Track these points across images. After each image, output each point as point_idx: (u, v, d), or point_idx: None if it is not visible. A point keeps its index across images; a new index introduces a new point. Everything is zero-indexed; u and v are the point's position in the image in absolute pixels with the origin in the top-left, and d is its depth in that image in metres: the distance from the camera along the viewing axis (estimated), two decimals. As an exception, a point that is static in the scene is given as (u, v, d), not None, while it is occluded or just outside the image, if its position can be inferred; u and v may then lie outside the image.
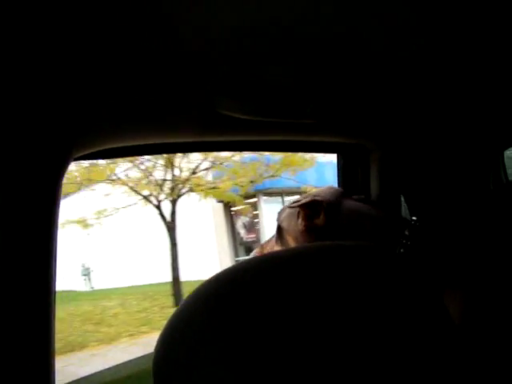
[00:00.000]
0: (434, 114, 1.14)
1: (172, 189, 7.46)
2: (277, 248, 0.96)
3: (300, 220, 0.91)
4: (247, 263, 0.38)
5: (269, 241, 1.02)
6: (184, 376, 0.32)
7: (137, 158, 5.79)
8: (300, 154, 7.12)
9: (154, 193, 7.50)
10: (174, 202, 7.56)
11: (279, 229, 0.97)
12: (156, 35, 0.61)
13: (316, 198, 0.90)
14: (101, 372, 4.69)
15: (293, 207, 0.93)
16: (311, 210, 0.89)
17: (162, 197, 7.54)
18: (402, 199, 1.21)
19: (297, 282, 0.34)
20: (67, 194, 6.88)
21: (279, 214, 0.99)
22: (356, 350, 0.32)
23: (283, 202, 10.22)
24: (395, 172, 1.19)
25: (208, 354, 0.31)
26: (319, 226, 0.88)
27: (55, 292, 0.73)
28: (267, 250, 1.00)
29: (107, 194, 7.33)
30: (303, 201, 0.90)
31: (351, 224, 0.89)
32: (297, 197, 1.00)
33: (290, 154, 6.76)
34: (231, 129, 0.94)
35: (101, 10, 0.53)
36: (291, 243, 0.92)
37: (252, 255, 1.04)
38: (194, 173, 7.40)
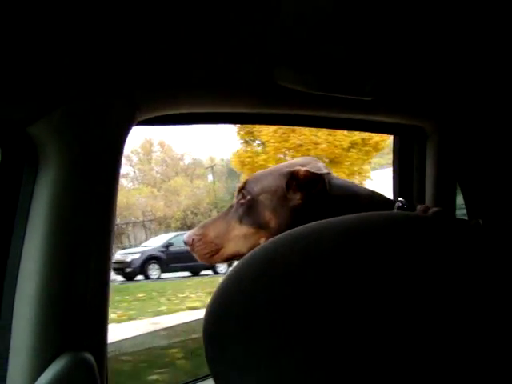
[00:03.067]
0: (505, 100, 1.04)
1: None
2: (240, 228, 0.80)
3: (292, 193, 0.77)
4: (303, 229, 0.35)
5: (217, 220, 0.84)
6: (235, 340, 0.32)
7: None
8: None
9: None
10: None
11: (251, 203, 0.80)
12: (220, 6, 0.60)
13: (311, 169, 0.78)
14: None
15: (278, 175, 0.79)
16: (310, 181, 0.77)
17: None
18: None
19: (364, 253, 0.32)
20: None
21: (251, 184, 0.81)
22: (437, 321, 0.30)
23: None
24: (453, 158, 1.10)
25: (259, 320, 0.31)
26: (316, 201, 0.76)
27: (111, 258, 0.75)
28: (215, 230, 0.82)
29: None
30: (299, 169, 0.77)
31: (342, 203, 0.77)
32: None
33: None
34: (288, 102, 0.90)
35: None
36: (270, 220, 0.78)
37: (187, 237, 0.84)
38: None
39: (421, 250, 0.32)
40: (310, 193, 0.77)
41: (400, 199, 0.79)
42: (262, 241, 0.77)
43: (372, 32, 0.74)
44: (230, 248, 0.80)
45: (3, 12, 0.52)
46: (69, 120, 0.69)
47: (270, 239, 0.35)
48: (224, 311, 0.33)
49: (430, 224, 0.35)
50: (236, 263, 0.36)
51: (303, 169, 0.78)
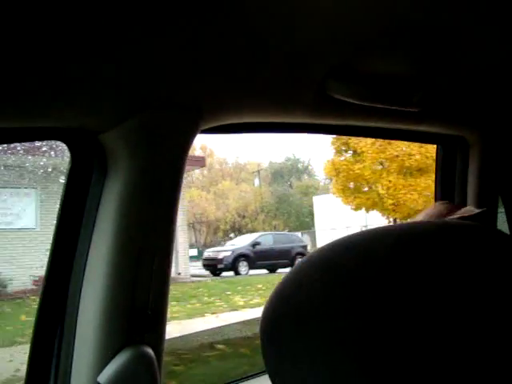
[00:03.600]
0: None
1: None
2: None
3: None
4: (357, 236, 0.37)
5: None
6: (293, 340, 0.33)
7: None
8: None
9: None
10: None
11: None
12: (272, 22, 0.63)
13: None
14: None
15: None
16: None
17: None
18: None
19: (418, 259, 0.33)
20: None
21: None
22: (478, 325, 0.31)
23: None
24: (495, 169, 1.11)
25: (316, 321, 0.32)
26: None
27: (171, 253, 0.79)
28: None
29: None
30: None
31: None
32: None
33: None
34: (338, 112, 0.93)
35: None
36: None
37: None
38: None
39: (469, 259, 0.33)
40: None
41: None
42: None
43: (419, 44, 0.76)
44: None
45: (82, 28, 0.57)
46: (139, 129, 0.72)
47: (326, 243, 0.37)
48: (282, 312, 0.34)
49: (478, 233, 0.36)
50: (293, 266, 0.37)
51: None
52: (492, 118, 1.08)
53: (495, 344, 0.31)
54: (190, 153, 0.82)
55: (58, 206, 0.76)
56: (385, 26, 0.69)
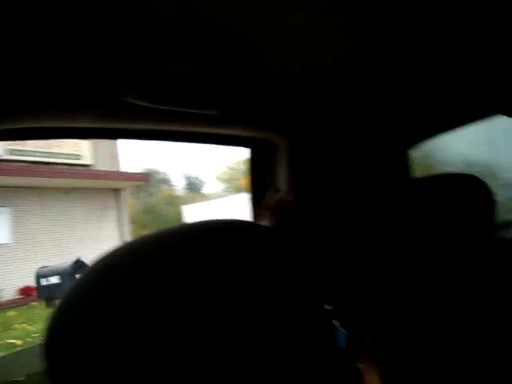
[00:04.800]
0: (342, 110, 1.09)
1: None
2: None
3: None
4: (123, 249, 0.35)
5: None
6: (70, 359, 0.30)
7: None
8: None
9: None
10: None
11: None
12: (66, 24, 0.61)
13: None
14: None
15: None
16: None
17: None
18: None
19: (166, 265, 0.32)
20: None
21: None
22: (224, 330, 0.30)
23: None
24: (302, 169, 1.14)
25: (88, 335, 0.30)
26: None
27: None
28: None
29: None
30: None
31: None
32: None
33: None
34: (134, 116, 0.91)
35: None
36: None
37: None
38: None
39: (233, 255, 0.33)
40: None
41: None
42: None
43: (215, 49, 0.75)
44: None
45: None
46: None
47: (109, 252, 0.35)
48: (61, 330, 0.32)
49: (241, 229, 0.36)
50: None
51: None
52: (295, 121, 1.09)
53: (268, 341, 0.31)
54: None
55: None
56: (179, 31, 0.68)
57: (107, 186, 9.59)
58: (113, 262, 0.33)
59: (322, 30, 0.72)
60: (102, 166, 9.68)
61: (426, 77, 1.01)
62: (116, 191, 9.83)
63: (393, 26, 0.76)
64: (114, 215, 9.79)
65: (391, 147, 1.25)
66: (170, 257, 0.32)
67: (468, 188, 0.90)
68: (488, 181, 0.89)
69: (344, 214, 1.03)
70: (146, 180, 11.00)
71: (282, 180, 1.14)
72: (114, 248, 0.34)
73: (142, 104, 0.82)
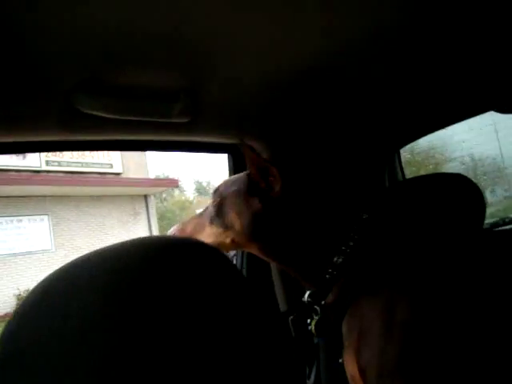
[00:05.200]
0: (321, 112, 1.05)
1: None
2: (210, 228, 0.83)
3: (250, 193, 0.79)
4: (77, 260, 0.35)
5: (196, 218, 0.88)
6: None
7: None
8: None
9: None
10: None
11: (219, 205, 0.83)
12: (13, 37, 0.58)
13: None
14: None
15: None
16: (264, 175, 0.78)
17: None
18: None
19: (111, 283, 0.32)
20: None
21: (218, 189, 0.85)
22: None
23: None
24: (284, 171, 1.10)
25: (38, 353, 0.29)
26: (273, 198, 0.76)
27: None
28: (192, 227, 0.87)
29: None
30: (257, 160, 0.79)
31: (303, 204, 0.78)
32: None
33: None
34: (95, 128, 0.86)
35: None
36: (234, 222, 0.80)
37: (172, 230, 0.90)
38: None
39: (171, 277, 0.32)
40: (267, 197, 0.77)
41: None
42: (228, 240, 0.81)
43: (180, 56, 0.72)
44: None
45: None
46: None
47: (51, 273, 0.35)
48: (5, 353, 0.31)
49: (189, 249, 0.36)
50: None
51: (254, 169, 0.78)
52: (273, 126, 1.06)
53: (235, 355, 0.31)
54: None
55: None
56: (138, 40, 0.65)
57: (137, 193, 9.85)
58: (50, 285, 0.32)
59: (298, 30, 0.69)
60: (131, 174, 9.97)
61: (412, 75, 0.95)
62: (145, 197, 10.09)
63: (376, 22, 0.72)
64: (144, 219, 10.04)
65: (376, 152, 1.21)
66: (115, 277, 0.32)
67: (457, 188, 0.87)
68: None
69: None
70: (174, 185, 11.21)
71: None
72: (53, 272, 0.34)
73: (101, 115, 0.79)
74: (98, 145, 0.99)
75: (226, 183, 0.86)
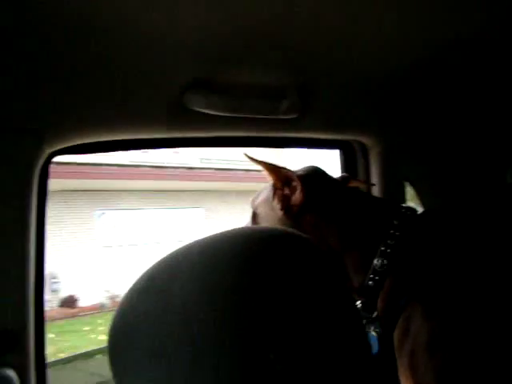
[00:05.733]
0: (438, 109, 0.99)
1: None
2: None
3: (276, 202, 0.74)
4: (183, 246, 0.36)
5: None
6: (127, 356, 0.32)
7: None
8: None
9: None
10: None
11: (254, 216, 0.81)
12: (129, 37, 0.60)
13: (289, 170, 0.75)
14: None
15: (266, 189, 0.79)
16: (285, 182, 0.73)
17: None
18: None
19: (215, 271, 0.32)
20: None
21: (253, 199, 0.83)
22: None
23: None
24: (397, 167, 1.05)
25: (143, 333, 0.31)
26: (297, 206, 0.71)
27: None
28: None
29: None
30: (276, 171, 0.75)
31: (332, 206, 0.72)
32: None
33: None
34: (205, 125, 0.87)
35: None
36: None
37: None
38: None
39: (272, 267, 0.33)
40: (288, 201, 0.74)
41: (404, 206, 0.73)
42: None
43: (293, 53, 0.70)
44: None
45: None
46: None
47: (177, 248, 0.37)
48: (119, 324, 0.34)
49: (287, 241, 0.36)
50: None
51: (274, 176, 0.75)
52: (385, 121, 1.01)
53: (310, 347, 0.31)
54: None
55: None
56: (251, 39, 0.66)
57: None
58: (176, 259, 0.34)
59: (416, 21, 0.65)
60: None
61: None
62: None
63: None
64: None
65: (505, 145, 1.09)
66: (230, 260, 0.33)
67: None
68: None
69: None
70: None
71: (375, 181, 1.04)
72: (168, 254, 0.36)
73: (210, 113, 0.78)
74: (207, 141, 0.99)
75: (258, 192, 0.83)
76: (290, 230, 0.39)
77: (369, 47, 0.72)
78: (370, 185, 1.04)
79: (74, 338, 5.80)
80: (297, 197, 0.72)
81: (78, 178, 7.22)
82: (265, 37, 0.66)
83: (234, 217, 9.84)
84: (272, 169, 0.74)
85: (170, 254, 0.35)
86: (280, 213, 0.74)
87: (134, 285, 0.35)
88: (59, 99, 0.71)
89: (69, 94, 0.71)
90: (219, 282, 0.31)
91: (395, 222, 0.66)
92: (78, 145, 0.83)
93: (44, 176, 0.78)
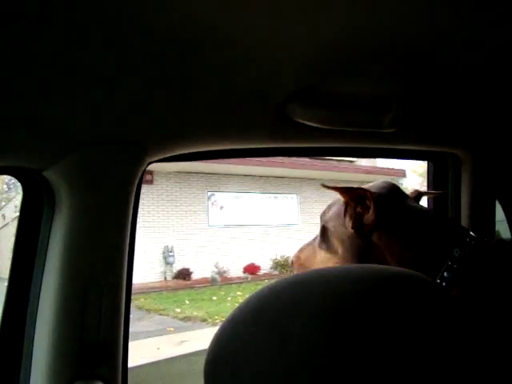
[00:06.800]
0: None
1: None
2: (320, 253, 0.78)
3: (348, 219, 0.72)
4: (293, 278, 0.35)
5: (309, 244, 0.82)
6: (227, 381, 0.31)
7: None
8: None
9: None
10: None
11: (324, 230, 0.77)
12: (231, 48, 0.57)
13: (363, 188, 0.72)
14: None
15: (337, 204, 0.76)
16: (358, 202, 0.71)
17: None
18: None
19: (345, 308, 0.30)
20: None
21: (323, 213, 0.79)
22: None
23: None
24: (489, 183, 0.99)
25: (247, 365, 0.30)
26: (369, 225, 0.69)
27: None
28: (305, 254, 0.82)
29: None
30: (349, 192, 0.72)
31: (403, 225, 0.69)
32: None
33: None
34: (304, 135, 0.84)
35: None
36: (337, 247, 0.74)
37: (291, 259, 0.87)
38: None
39: (400, 312, 0.30)
40: (361, 219, 0.71)
41: (471, 234, 0.67)
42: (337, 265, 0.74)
43: (394, 65, 0.68)
44: None
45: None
46: (80, 165, 0.68)
47: (264, 286, 0.34)
48: (220, 353, 0.32)
49: (414, 285, 0.33)
50: (232, 311, 0.34)
51: (347, 196, 0.72)
52: (481, 135, 0.95)
53: None
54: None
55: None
56: (349, 48, 0.62)
57: (368, 179, 9.82)
58: (265, 305, 0.32)
59: None
60: (364, 162, 10.05)
61: None
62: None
63: None
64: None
65: None
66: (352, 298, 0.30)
67: None
68: None
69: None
70: (401, 175, 10.74)
71: (465, 194, 0.99)
72: (266, 287, 0.33)
73: (312, 125, 0.76)
74: (305, 151, 0.97)
75: (328, 206, 0.79)
76: (413, 272, 0.35)
77: (474, 56, 0.66)
78: (441, 195, 1.00)
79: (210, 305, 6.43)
80: (369, 216, 0.69)
81: (190, 161, 7.80)
82: (368, 48, 0.62)
83: (325, 205, 9.88)
84: (345, 191, 0.72)
85: (284, 283, 0.33)
86: (351, 230, 0.71)
87: (237, 316, 0.33)
88: (165, 111, 0.68)
89: (174, 107, 0.68)
90: (345, 324, 0.28)
91: (456, 254, 0.62)
92: (180, 154, 0.81)
93: (140, 181, 0.77)
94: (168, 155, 0.79)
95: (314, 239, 0.81)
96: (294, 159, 9.48)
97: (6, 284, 0.74)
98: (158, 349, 4.29)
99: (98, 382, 0.68)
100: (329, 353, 0.28)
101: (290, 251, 8.75)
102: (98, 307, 0.69)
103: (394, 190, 0.73)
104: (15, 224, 0.76)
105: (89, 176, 0.70)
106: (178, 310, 6.18)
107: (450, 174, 1.04)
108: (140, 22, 0.48)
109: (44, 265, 0.71)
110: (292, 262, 0.85)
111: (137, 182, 0.75)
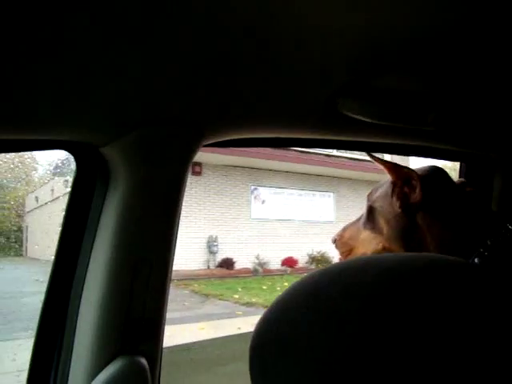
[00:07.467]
0: None
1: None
2: (364, 233, 0.78)
3: (395, 199, 0.72)
4: (345, 264, 0.34)
5: (353, 223, 0.82)
6: (277, 365, 0.30)
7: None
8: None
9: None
10: None
11: (370, 210, 0.77)
12: (284, 37, 0.56)
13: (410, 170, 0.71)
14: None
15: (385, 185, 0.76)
16: (405, 181, 0.71)
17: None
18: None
19: (397, 298, 0.29)
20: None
21: (370, 193, 0.79)
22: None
23: None
24: None
25: (300, 349, 0.29)
26: (415, 204, 0.70)
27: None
28: (349, 233, 0.82)
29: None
30: (396, 169, 0.72)
31: (447, 208, 0.70)
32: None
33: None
34: (350, 129, 0.83)
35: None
36: (383, 227, 0.74)
37: (333, 237, 0.86)
38: None
39: (455, 300, 0.29)
40: (407, 198, 0.70)
41: (509, 226, 0.68)
42: (380, 246, 0.74)
43: (437, 63, 0.67)
44: (359, 250, 0.78)
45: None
46: (139, 143, 0.67)
47: (313, 272, 0.33)
48: (269, 337, 0.31)
49: (471, 274, 0.32)
50: (282, 292, 0.33)
51: (394, 174, 0.71)
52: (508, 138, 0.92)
53: None
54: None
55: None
56: (400, 44, 0.62)
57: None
58: (321, 286, 0.32)
59: None
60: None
61: None
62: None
63: None
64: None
65: None
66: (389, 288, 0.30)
67: None
68: None
69: None
70: None
71: (497, 198, 0.99)
72: (322, 269, 0.33)
73: (359, 118, 0.75)
74: (349, 144, 0.97)
75: (375, 187, 0.79)
76: (462, 260, 0.34)
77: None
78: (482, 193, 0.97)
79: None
80: (416, 196, 0.70)
81: (236, 155, 7.83)
82: (419, 45, 0.61)
83: (360, 205, 9.89)
84: (392, 167, 0.73)
85: (333, 271, 0.33)
86: (398, 209, 0.72)
87: (285, 301, 0.33)
88: (223, 96, 0.67)
89: (230, 92, 0.67)
90: (402, 308, 0.28)
91: (489, 242, 0.62)
92: (230, 140, 0.80)
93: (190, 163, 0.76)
94: (221, 139, 0.79)
95: (358, 219, 0.81)
96: (332, 159, 9.62)
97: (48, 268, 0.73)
98: (239, 328, 4.55)
99: (140, 358, 0.67)
100: (390, 332, 0.28)
101: (325, 247, 8.93)
102: (146, 283, 0.69)
103: (439, 174, 0.74)
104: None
105: (145, 154, 0.69)
106: (236, 296, 6.33)
107: (482, 177, 1.03)
108: (204, 3, 0.47)
109: (94, 240, 0.70)
110: (335, 240, 0.84)
111: (190, 162, 0.75)
